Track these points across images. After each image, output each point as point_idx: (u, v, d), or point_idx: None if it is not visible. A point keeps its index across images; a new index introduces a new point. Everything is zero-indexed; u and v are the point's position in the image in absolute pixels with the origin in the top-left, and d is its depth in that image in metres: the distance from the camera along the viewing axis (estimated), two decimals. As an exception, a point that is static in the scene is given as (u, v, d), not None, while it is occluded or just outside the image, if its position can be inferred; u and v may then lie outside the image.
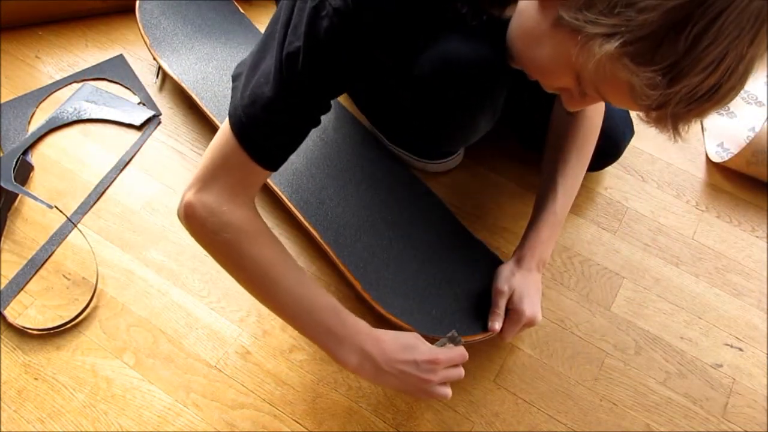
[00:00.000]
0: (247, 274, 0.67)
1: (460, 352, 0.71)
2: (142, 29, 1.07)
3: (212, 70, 1.04)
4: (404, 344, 0.69)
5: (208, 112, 0.99)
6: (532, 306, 0.78)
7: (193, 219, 0.64)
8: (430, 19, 0.65)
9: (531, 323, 0.79)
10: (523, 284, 0.79)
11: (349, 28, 0.58)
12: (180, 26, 1.10)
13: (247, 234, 0.65)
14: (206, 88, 1.02)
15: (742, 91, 1.20)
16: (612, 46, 0.46)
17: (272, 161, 0.65)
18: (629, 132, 0.99)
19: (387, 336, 0.69)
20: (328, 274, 0.90)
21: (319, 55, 0.59)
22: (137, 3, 1.11)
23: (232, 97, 0.65)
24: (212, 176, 0.64)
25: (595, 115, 0.86)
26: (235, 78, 0.66)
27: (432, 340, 0.73)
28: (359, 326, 0.68)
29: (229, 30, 1.12)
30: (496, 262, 0.87)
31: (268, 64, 0.61)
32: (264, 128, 0.62)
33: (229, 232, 0.64)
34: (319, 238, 0.87)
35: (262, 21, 1.18)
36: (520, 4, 0.59)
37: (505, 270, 0.82)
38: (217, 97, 1.01)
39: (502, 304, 0.80)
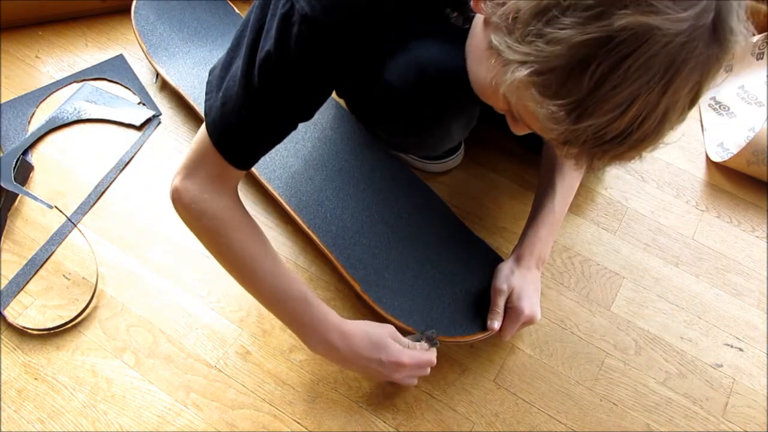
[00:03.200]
0: (225, 260, 0.71)
1: (428, 357, 0.73)
2: (138, 36, 1.07)
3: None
4: (373, 342, 0.70)
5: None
6: (531, 304, 0.78)
7: (178, 203, 0.69)
8: (406, 17, 0.66)
9: (530, 321, 0.79)
10: (522, 283, 0.80)
11: (317, 35, 0.58)
12: (176, 30, 1.10)
13: (225, 223, 0.68)
14: (204, 94, 1.01)
15: (741, 91, 1.20)
16: (522, 73, 0.46)
17: (243, 162, 0.67)
18: None
19: (356, 330, 0.71)
20: (328, 274, 0.90)
21: (289, 62, 0.59)
22: (132, 8, 1.10)
23: (206, 95, 0.66)
24: (195, 166, 0.67)
25: None
26: (210, 72, 0.67)
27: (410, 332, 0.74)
28: (328, 318, 0.70)
29: (225, 32, 1.12)
30: (496, 261, 0.87)
31: (237, 65, 0.62)
32: (235, 131, 0.64)
33: (208, 218, 0.68)
34: (318, 241, 0.87)
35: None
36: (475, 21, 0.59)
37: (504, 268, 0.82)
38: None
39: (501, 302, 0.80)
